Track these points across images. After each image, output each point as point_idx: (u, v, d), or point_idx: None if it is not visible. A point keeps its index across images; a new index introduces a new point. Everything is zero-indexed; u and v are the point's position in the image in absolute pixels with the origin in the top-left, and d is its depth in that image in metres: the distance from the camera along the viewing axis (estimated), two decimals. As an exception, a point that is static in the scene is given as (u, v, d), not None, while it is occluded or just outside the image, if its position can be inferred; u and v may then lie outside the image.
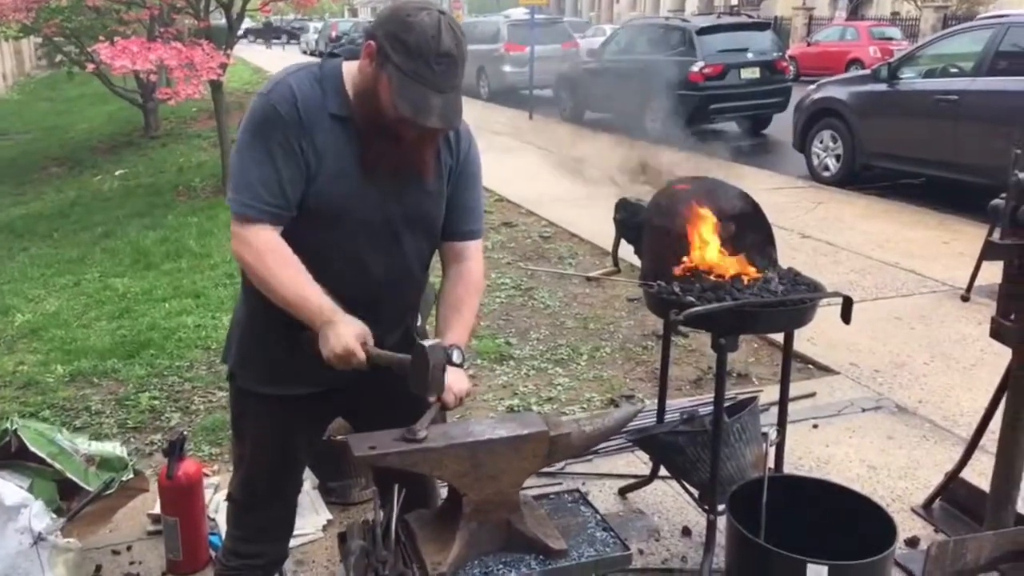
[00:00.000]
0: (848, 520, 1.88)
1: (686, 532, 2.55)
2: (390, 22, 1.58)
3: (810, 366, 3.83)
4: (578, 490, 1.80)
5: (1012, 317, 2.27)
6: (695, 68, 10.81)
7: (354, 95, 1.64)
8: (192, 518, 2.27)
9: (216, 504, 2.59)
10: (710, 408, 2.72)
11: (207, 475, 2.81)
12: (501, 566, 1.56)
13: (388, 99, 1.57)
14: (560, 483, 2.78)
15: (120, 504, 2.36)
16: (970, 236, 6.11)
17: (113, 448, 2.35)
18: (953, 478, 2.59)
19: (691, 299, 2.12)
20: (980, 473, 2.60)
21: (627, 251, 2.74)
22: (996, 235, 2.24)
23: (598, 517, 1.71)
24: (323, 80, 1.66)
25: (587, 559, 1.59)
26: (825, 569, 1.61)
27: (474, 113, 14.42)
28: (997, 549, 2.34)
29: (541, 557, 1.58)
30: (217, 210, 7.47)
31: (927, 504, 2.66)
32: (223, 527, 2.48)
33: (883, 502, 2.72)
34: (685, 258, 2.33)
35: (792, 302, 2.14)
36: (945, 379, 3.69)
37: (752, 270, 2.27)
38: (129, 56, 6.68)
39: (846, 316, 2.18)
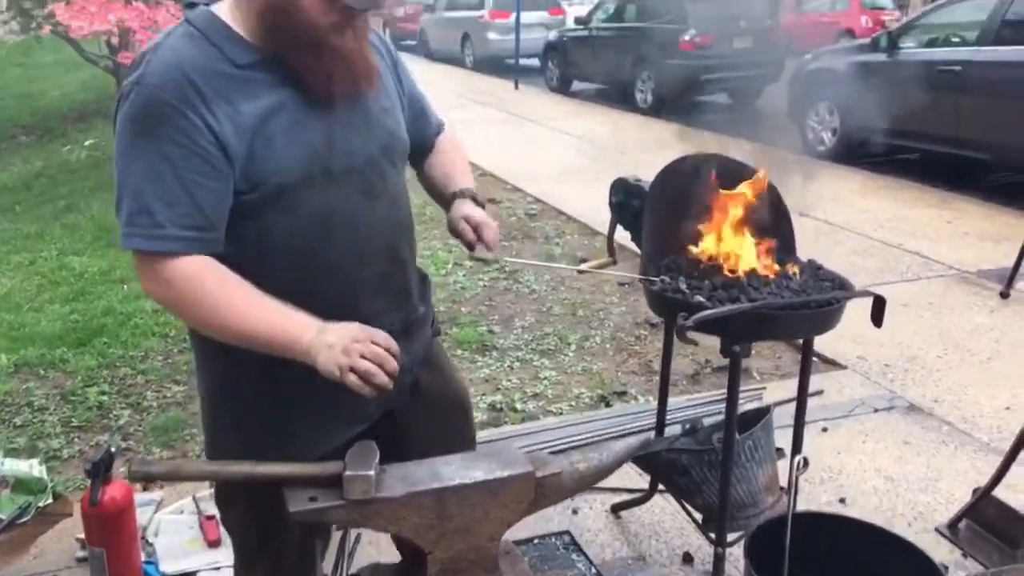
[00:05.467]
0: (884, 562, 1.60)
1: (687, 559, 2.27)
2: None
3: (815, 359, 3.56)
4: (568, 532, 1.52)
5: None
6: (686, 37, 10.43)
7: (259, 27, 1.29)
8: (121, 548, 1.97)
9: (156, 525, 2.29)
10: (713, 412, 2.46)
11: (145, 490, 2.51)
12: (474, 642, 1.28)
13: (318, 4, 1.25)
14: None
15: (40, 531, 2.06)
16: (975, 215, 5.86)
17: (30, 467, 2.04)
18: (983, 498, 2.33)
19: (700, 299, 1.82)
20: (1008, 486, 2.34)
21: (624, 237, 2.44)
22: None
23: (593, 570, 1.43)
24: (205, 33, 1.29)
25: (580, 631, 1.31)
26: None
27: (459, 82, 14.16)
28: (1040, 583, 2.09)
29: (524, 629, 1.30)
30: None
31: (953, 524, 2.40)
32: (162, 552, 2.20)
33: (904, 521, 2.49)
34: (692, 248, 2.02)
35: (817, 303, 1.85)
36: (960, 374, 3.43)
37: (769, 262, 1.97)
38: (87, 17, 6.24)
39: (877, 319, 1.90)
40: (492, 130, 8.93)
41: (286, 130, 1.29)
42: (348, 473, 1.20)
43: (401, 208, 1.49)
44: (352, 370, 1.23)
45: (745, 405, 2.95)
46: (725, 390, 2.11)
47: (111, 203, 1.33)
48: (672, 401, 2.89)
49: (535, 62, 13.99)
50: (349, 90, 1.35)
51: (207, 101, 1.24)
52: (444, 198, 1.60)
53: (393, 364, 1.25)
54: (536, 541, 1.52)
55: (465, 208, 1.55)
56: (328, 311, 1.29)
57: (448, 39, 17.33)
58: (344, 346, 1.24)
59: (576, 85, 12.97)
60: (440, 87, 13.01)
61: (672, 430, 2.37)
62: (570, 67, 12.76)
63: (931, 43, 7.23)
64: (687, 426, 2.28)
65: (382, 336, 1.27)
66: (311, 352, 1.25)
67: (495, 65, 15.14)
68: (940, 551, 2.31)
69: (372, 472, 1.22)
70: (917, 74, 7.01)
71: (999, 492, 2.34)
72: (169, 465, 1.25)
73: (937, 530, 2.41)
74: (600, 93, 12.45)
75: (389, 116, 1.45)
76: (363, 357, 1.24)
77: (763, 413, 2.15)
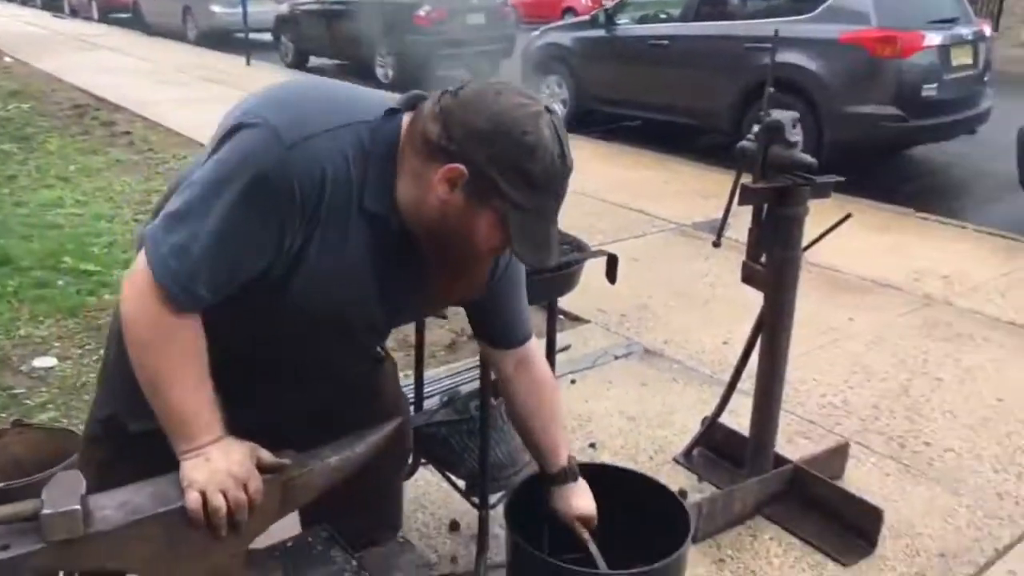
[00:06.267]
0: (637, 503, 1.70)
1: (454, 527, 2.29)
2: (499, 144, 1.14)
3: (562, 317, 3.75)
4: (326, 529, 1.43)
5: (763, 261, 2.25)
6: (421, 12, 10.45)
7: (420, 222, 1.22)
8: None
9: None
10: (472, 379, 2.48)
11: None
12: (224, 667, 1.16)
13: (492, 240, 1.21)
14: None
15: None
16: (685, 175, 6.51)
17: None
18: (711, 426, 2.59)
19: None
20: (731, 412, 2.62)
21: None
22: (748, 178, 2.19)
23: (353, 563, 1.36)
24: (369, 158, 1.19)
25: (343, 627, 1.24)
26: (622, 580, 1.41)
27: (182, 58, 13.08)
28: (761, 495, 2.37)
29: (281, 640, 1.21)
30: None
31: (687, 452, 2.65)
32: None
33: (646, 455, 2.70)
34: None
35: (558, 266, 1.91)
36: (684, 318, 3.79)
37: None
38: None
39: (611, 276, 2.01)
40: (223, 111, 8.31)
41: (334, 276, 1.23)
42: (46, 512, 1.01)
43: (380, 346, 1.56)
44: (203, 495, 1.13)
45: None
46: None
47: None
48: (430, 373, 2.89)
49: (268, 37, 13.26)
50: (453, 301, 1.41)
51: (317, 213, 1.17)
52: (544, 464, 1.56)
53: (243, 517, 1.17)
54: (290, 543, 1.42)
55: (583, 504, 1.53)
56: (232, 388, 1.23)
57: (166, 12, 15.89)
58: (216, 471, 1.15)
59: (314, 60, 12.52)
60: (161, 63, 11.92)
61: (431, 403, 2.36)
62: (306, 42, 12.27)
63: (643, 19, 7.88)
64: (444, 398, 2.29)
65: (255, 486, 1.18)
66: (191, 453, 1.16)
67: (222, 40, 14.13)
68: (679, 478, 2.54)
69: (77, 507, 1.03)
70: (632, 48, 7.63)
71: (724, 419, 2.61)
72: None
73: (675, 459, 2.65)
74: (340, 68, 12.12)
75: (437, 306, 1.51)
76: (224, 494, 1.14)
77: (515, 375, 2.19)
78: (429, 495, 2.40)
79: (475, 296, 1.38)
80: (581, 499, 1.54)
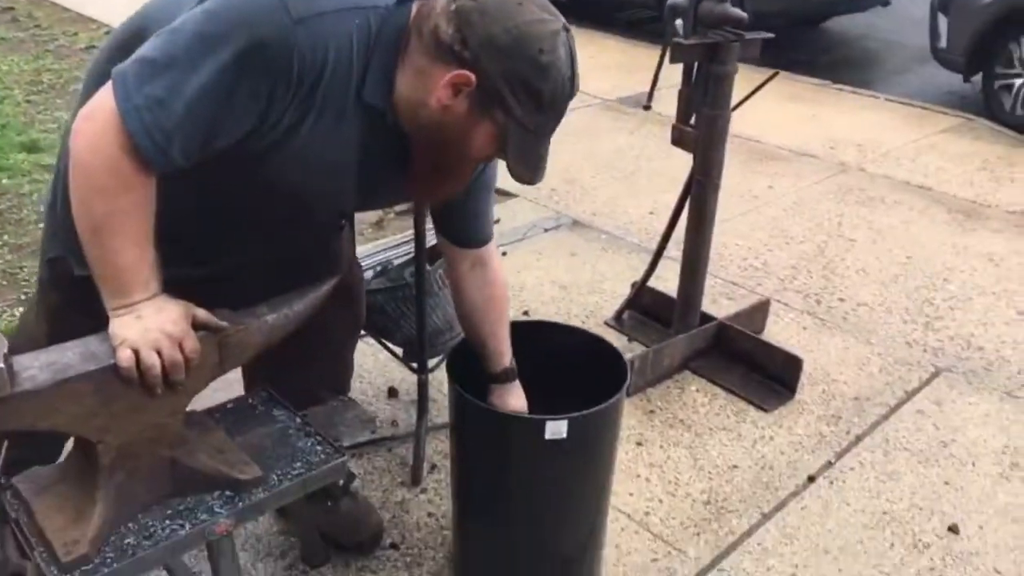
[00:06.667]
0: (577, 357, 1.74)
1: (392, 393, 2.31)
2: (515, 58, 1.10)
3: (490, 192, 3.72)
4: (266, 390, 1.42)
5: (692, 122, 2.25)
6: None
7: (413, 120, 1.18)
8: None
9: None
10: (402, 253, 2.45)
11: None
12: (168, 521, 1.15)
13: (485, 150, 1.18)
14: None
15: None
16: (610, 50, 6.39)
17: None
18: (640, 290, 2.65)
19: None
20: (658, 277, 2.68)
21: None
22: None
23: (297, 420, 1.36)
24: (374, 45, 1.13)
25: (291, 480, 1.24)
26: (564, 424, 1.45)
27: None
28: (687, 350, 2.46)
29: (228, 494, 1.20)
30: None
31: (618, 316, 2.71)
32: None
33: (578, 320, 2.75)
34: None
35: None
36: (611, 189, 3.81)
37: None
38: None
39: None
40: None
41: (315, 164, 1.18)
42: None
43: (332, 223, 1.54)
44: (136, 352, 1.08)
45: (431, 241, 3.01)
46: (410, 232, 2.14)
47: None
48: (360, 250, 2.84)
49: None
50: (429, 200, 1.45)
51: (313, 95, 1.11)
52: (487, 362, 1.58)
53: (179, 376, 1.12)
54: (231, 405, 1.40)
55: (516, 403, 1.57)
56: (180, 243, 1.19)
57: None
58: (148, 328, 1.09)
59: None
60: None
61: (365, 276, 2.32)
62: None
63: None
64: (379, 268, 2.26)
65: (191, 345, 1.12)
66: (123, 310, 1.10)
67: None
68: (610, 340, 2.59)
69: (1, 365, 0.99)
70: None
71: (652, 283, 2.67)
72: None
73: (606, 323, 2.72)
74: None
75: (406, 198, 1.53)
76: (159, 353, 1.09)
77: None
78: (365, 364, 2.40)
79: (451, 198, 1.36)
80: (514, 398, 1.59)
